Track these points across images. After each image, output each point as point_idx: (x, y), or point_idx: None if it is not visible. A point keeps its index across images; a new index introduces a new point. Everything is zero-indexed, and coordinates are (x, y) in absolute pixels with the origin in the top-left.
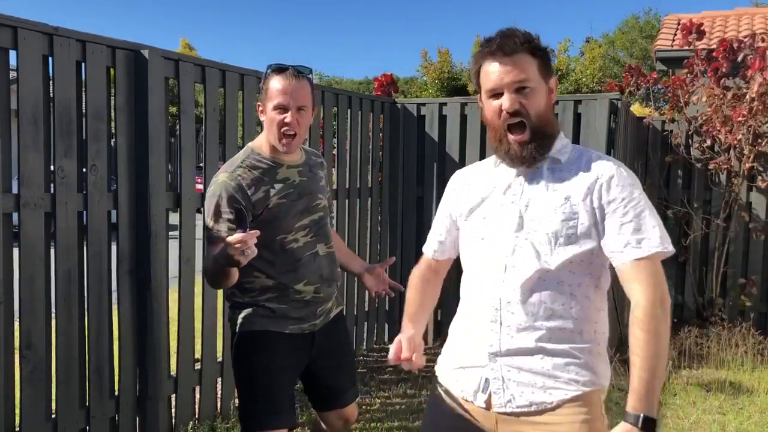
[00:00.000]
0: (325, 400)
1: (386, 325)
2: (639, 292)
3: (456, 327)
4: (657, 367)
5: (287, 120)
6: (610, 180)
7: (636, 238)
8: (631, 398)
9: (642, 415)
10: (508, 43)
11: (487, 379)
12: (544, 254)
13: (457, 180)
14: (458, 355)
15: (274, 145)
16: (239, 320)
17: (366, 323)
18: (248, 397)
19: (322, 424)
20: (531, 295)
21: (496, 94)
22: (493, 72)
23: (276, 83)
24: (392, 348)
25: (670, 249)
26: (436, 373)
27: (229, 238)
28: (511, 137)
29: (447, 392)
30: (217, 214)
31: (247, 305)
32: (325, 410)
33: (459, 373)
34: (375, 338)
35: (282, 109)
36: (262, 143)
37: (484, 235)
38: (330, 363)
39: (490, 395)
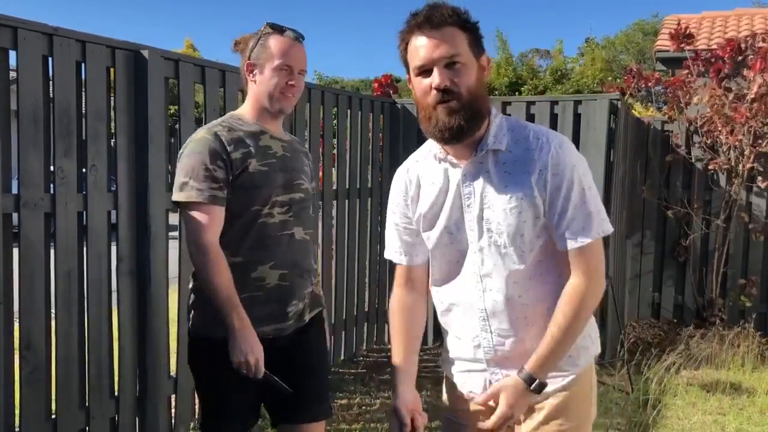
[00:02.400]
0: (291, 413)
1: (386, 326)
2: (578, 276)
3: (448, 326)
4: (566, 343)
5: (292, 82)
6: (552, 167)
7: (573, 229)
8: (533, 361)
9: (538, 380)
10: (436, 15)
11: (490, 381)
12: (513, 257)
13: (402, 180)
14: (459, 357)
15: (266, 107)
16: (196, 321)
17: (366, 323)
18: (207, 412)
19: None
20: (512, 301)
21: (425, 71)
22: (421, 47)
23: (280, 43)
24: (394, 426)
25: (607, 229)
26: (445, 374)
27: (258, 357)
28: (439, 107)
29: (458, 391)
30: (198, 171)
31: (205, 302)
32: (286, 424)
33: (465, 376)
34: (375, 338)
35: (288, 69)
36: (245, 110)
37: (446, 246)
38: (298, 372)
39: None
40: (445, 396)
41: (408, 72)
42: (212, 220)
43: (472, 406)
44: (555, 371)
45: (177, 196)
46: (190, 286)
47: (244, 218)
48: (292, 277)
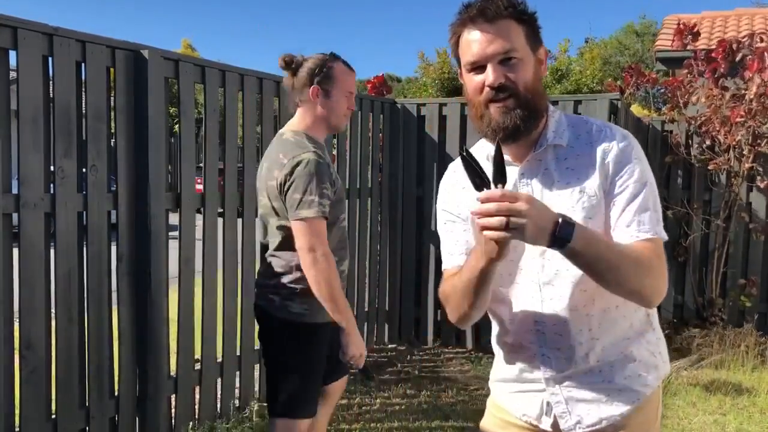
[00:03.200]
0: (332, 371)
1: (386, 326)
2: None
3: (501, 344)
4: (610, 257)
5: (352, 107)
6: (616, 156)
7: (629, 221)
8: (581, 226)
9: (567, 222)
10: (491, 7)
11: (548, 403)
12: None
13: (450, 183)
14: (512, 377)
15: (330, 125)
16: (300, 310)
17: (366, 323)
18: (299, 387)
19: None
20: (576, 312)
21: (478, 67)
22: (473, 41)
23: (344, 73)
24: None
25: (661, 233)
26: (492, 395)
27: (363, 354)
28: (492, 106)
29: (506, 414)
30: (317, 190)
31: (305, 292)
32: (333, 382)
33: (518, 397)
34: (375, 338)
35: (350, 95)
36: (311, 129)
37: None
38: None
39: (555, 417)
40: (489, 421)
41: (459, 66)
42: (325, 232)
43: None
44: (618, 397)
45: (304, 213)
46: (286, 280)
47: (336, 225)
48: (347, 267)
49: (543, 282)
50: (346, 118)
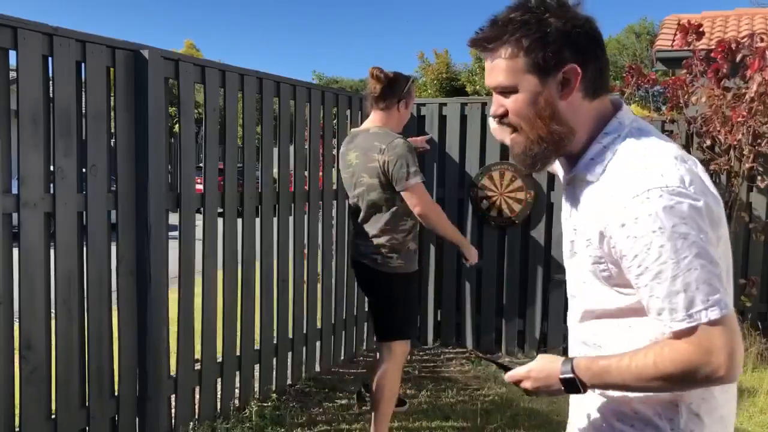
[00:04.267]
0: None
1: None
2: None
3: None
4: (630, 381)
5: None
6: (620, 227)
7: (659, 308)
8: (586, 358)
9: (573, 376)
10: (489, 34)
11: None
12: (592, 291)
13: None
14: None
15: (402, 125)
16: (396, 264)
17: (366, 323)
18: (401, 319)
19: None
20: (587, 344)
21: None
22: (485, 69)
23: (414, 91)
24: None
25: (702, 318)
26: None
27: (475, 261)
28: (507, 136)
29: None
30: (413, 161)
31: (397, 249)
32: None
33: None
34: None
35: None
36: (396, 128)
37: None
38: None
39: None
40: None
41: None
42: (427, 192)
43: None
44: None
45: (413, 181)
46: (383, 240)
47: None
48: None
49: (570, 294)
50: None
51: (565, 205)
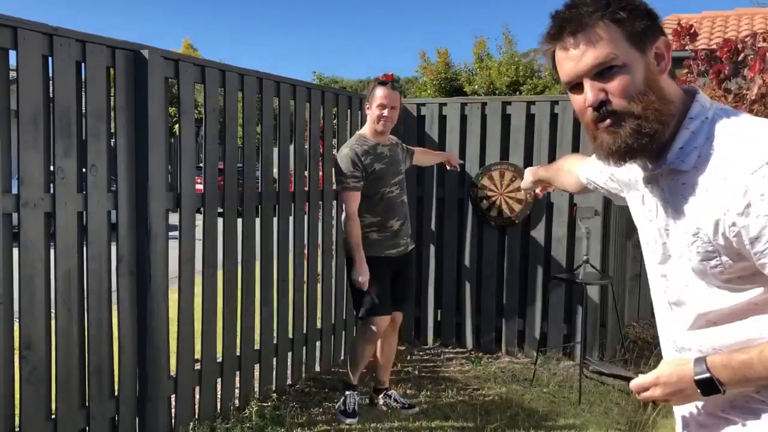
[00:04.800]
0: (395, 303)
1: None
2: None
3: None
4: (760, 375)
5: (385, 114)
6: (745, 209)
7: None
8: (719, 356)
9: (711, 375)
10: (574, 17)
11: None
12: (700, 292)
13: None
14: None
15: (375, 129)
16: (366, 248)
17: None
18: (370, 299)
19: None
20: (701, 345)
21: (576, 85)
22: (564, 59)
23: (379, 91)
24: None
25: None
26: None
27: (364, 280)
28: (600, 126)
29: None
30: (347, 170)
31: (362, 238)
32: (394, 311)
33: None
34: None
35: (382, 106)
36: (366, 131)
37: (645, 252)
38: (403, 280)
39: None
40: None
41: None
42: (355, 200)
43: None
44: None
45: (338, 186)
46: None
47: (376, 196)
48: (405, 224)
49: (671, 302)
50: (379, 124)
51: (647, 205)
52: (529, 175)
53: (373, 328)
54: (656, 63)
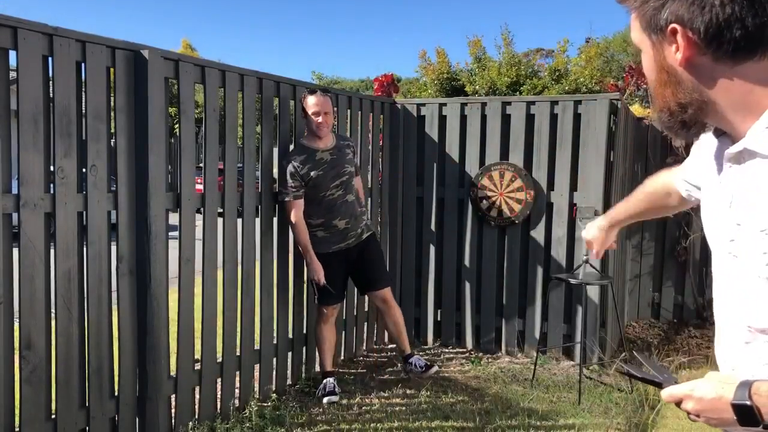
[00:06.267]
0: (366, 286)
1: None
2: None
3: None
4: None
5: (319, 120)
6: None
7: None
8: (763, 382)
9: (750, 402)
10: None
11: None
12: (761, 303)
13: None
14: None
15: (316, 136)
16: (315, 246)
17: (366, 323)
18: (320, 289)
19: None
20: (753, 365)
21: None
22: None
23: (311, 99)
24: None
25: None
26: None
27: (318, 277)
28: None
29: None
30: (287, 182)
31: (314, 241)
32: (369, 293)
33: None
34: (375, 339)
35: (316, 113)
36: (305, 139)
37: (707, 236)
38: (365, 264)
39: None
40: None
41: None
42: (297, 207)
43: None
44: None
45: (279, 197)
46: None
47: (317, 200)
48: (351, 221)
49: (728, 296)
50: (317, 129)
51: (721, 195)
52: (595, 229)
53: (325, 311)
54: (675, 50)
